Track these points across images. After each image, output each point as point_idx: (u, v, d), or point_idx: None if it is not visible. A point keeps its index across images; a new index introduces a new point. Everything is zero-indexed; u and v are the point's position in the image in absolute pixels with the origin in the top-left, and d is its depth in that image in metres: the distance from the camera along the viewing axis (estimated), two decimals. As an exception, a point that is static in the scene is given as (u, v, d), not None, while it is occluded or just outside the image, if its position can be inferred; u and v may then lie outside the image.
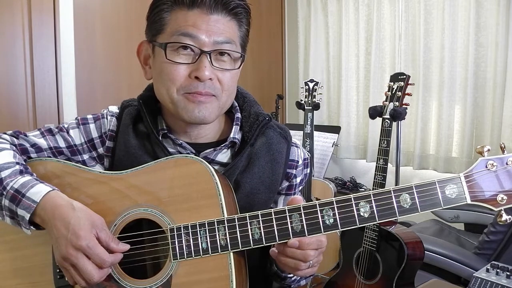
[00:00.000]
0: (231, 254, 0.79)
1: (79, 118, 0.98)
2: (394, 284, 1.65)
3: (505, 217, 0.73)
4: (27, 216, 0.79)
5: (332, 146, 2.86)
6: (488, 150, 0.75)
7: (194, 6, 0.83)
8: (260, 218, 0.79)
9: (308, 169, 1.04)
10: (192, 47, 0.83)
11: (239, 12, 0.87)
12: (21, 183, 0.81)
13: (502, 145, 0.76)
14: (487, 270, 1.31)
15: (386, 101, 1.80)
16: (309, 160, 1.04)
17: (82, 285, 0.77)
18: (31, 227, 0.81)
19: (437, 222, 2.50)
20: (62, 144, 0.95)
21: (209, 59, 0.83)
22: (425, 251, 1.73)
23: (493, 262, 1.33)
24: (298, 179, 1.01)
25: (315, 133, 2.63)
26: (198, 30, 0.83)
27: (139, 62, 0.95)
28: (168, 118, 0.95)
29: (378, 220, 0.76)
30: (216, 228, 0.80)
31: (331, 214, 0.77)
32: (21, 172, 0.84)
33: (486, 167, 0.74)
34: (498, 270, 1.30)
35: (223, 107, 0.90)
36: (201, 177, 0.82)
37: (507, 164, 0.74)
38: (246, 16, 0.89)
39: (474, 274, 1.31)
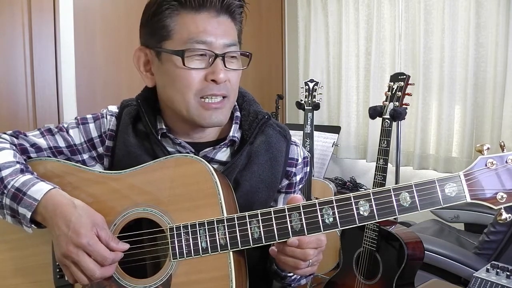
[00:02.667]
0: (231, 253, 0.79)
1: (78, 117, 0.98)
2: (394, 284, 1.65)
3: (505, 215, 0.73)
4: (29, 214, 0.79)
5: (332, 146, 2.86)
6: (488, 148, 0.75)
7: (202, 9, 0.84)
8: (260, 217, 0.79)
9: (308, 167, 1.04)
10: (206, 51, 0.85)
11: (233, 10, 0.88)
12: (22, 181, 0.82)
13: (502, 144, 0.76)
14: (487, 270, 1.30)
15: (386, 101, 1.80)
16: (308, 159, 1.04)
17: (82, 282, 0.77)
18: (32, 225, 0.81)
19: (437, 222, 2.50)
20: (61, 143, 0.95)
21: (222, 62, 0.85)
22: (425, 251, 1.73)
23: (493, 262, 1.32)
24: (298, 177, 1.01)
25: (315, 133, 2.63)
26: (209, 35, 0.84)
27: (137, 70, 0.94)
28: (168, 118, 0.95)
29: (378, 219, 0.76)
30: (216, 228, 0.80)
31: (331, 213, 0.77)
32: (21, 171, 0.84)
33: (486, 165, 0.74)
34: (498, 270, 1.29)
35: (232, 106, 0.93)
36: (200, 176, 0.82)
37: (506, 162, 0.74)
38: (239, 13, 0.90)
39: (474, 274, 1.31)
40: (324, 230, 0.77)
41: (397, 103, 1.76)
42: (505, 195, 0.73)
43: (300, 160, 1.01)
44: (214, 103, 0.87)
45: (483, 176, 0.74)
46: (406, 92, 1.77)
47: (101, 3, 2.66)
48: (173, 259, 0.80)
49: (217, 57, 0.85)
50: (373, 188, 0.78)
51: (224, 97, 0.88)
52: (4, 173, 0.83)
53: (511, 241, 1.85)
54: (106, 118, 0.97)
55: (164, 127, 0.94)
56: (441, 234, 2.35)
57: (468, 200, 0.74)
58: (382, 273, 1.70)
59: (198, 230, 0.80)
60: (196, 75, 0.85)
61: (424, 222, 2.55)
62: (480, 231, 2.04)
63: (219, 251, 0.79)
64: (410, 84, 1.79)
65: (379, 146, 1.78)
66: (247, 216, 0.79)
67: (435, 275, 1.88)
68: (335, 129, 2.96)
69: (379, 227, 1.71)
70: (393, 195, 0.75)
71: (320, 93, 2.52)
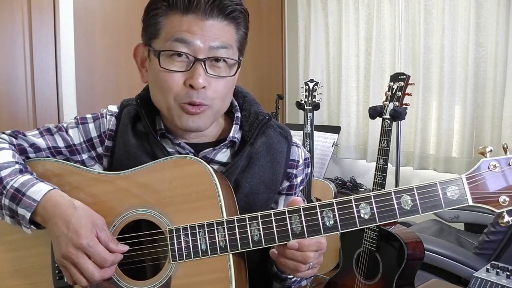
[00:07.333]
0: (231, 255, 0.79)
1: (78, 117, 0.98)
2: (394, 284, 1.65)
3: (507, 218, 0.72)
4: (28, 215, 0.79)
5: (332, 146, 2.86)
6: (491, 151, 0.74)
7: (189, 11, 0.81)
8: (260, 220, 0.78)
9: (309, 168, 1.03)
10: (186, 54, 0.82)
11: (237, 16, 0.85)
12: (21, 182, 0.81)
13: (505, 146, 0.75)
14: (487, 270, 1.31)
15: (386, 101, 1.80)
16: (309, 160, 1.03)
17: (82, 284, 0.77)
18: (32, 226, 0.81)
19: (437, 222, 2.50)
20: (60, 144, 0.95)
21: (203, 67, 0.82)
22: (425, 251, 1.73)
23: (493, 262, 1.33)
24: (299, 179, 1.01)
25: (315, 133, 2.63)
26: (193, 35, 0.81)
27: (136, 65, 0.94)
28: (166, 119, 0.94)
29: (379, 222, 0.75)
30: (215, 230, 0.79)
31: (331, 216, 0.77)
32: (21, 171, 0.84)
33: (488, 168, 0.73)
34: (498, 270, 1.30)
35: (218, 113, 0.90)
36: (200, 178, 0.82)
37: (509, 165, 0.73)
38: (244, 19, 0.87)
39: (474, 274, 1.31)
40: (324, 233, 0.77)
41: (397, 103, 1.76)
42: (507, 199, 0.72)
43: (301, 162, 1.00)
44: (193, 107, 0.83)
45: (485, 179, 0.73)
46: (406, 92, 1.78)
47: (101, 3, 2.66)
48: (172, 261, 0.80)
49: (197, 61, 0.81)
50: (373, 189, 0.77)
51: (205, 105, 0.85)
52: (3, 173, 0.82)
53: (511, 241, 1.85)
54: (106, 118, 0.97)
55: (163, 127, 0.94)
56: (441, 234, 2.35)
57: (470, 203, 0.73)
58: (382, 273, 1.70)
59: (197, 232, 0.80)
60: (175, 79, 0.82)
61: (424, 222, 2.55)
62: (480, 231, 2.04)
63: (218, 253, 0.79)
64: (410, 84, 1.79)
65: (379, 146, 1.78)
66: (247, 219, 0.79)
67: (435, 275, 1.88)
68: (335, 129, 2.96)
69: (379, 227, 1.71)
70: (394, 198, 0.75)
71: (320, 93, 2.52)
